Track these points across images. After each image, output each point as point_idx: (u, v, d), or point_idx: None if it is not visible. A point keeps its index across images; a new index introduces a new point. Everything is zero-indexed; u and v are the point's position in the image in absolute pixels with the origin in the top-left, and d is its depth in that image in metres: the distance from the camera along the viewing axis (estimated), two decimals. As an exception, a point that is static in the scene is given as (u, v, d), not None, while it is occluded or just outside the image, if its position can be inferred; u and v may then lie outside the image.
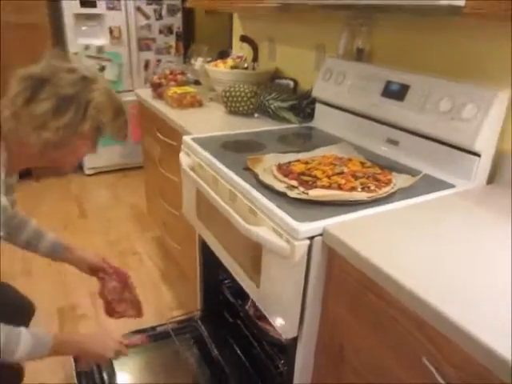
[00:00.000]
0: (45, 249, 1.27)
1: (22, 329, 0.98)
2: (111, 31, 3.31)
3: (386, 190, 1.06)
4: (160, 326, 1.75)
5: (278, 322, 1.05)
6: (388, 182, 1.10)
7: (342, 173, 1.14)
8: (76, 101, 0.92)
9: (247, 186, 1.11)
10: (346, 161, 1.23)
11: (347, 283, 0.92)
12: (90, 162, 3.66)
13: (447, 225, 0.96)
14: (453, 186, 1.16)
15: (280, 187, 1.07)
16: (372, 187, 1.06)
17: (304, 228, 0.91)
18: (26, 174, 3.54)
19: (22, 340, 0.95)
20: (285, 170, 1.16)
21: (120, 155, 3.70)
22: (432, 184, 1.16)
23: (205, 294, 1.77)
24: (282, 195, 1.05)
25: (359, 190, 1.05)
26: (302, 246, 0.92)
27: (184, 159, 1.44)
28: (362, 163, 1.22)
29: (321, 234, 0.93)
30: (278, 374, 1.38)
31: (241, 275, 1.22)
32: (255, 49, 2.28)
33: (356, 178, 1.11)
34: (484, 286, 0.73)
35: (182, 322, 1.75)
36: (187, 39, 3.71)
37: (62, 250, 1.30)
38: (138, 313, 1.40)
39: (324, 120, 1.69)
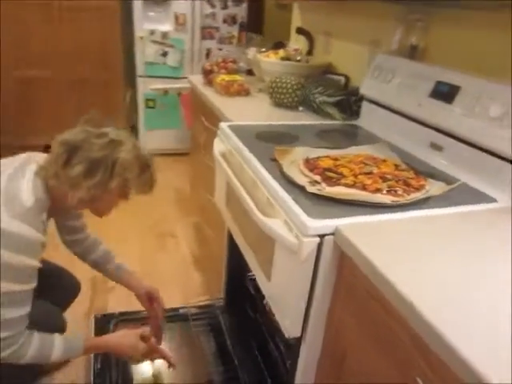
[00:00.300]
0: (110, 271, 1.44)
1: (56, 336, 1.12)
2: (176, 18, 3.38)
3: (414, 196, 0.99)
4: (182, 308, 1.76)
5: (283, 319, 1.01)
6: (419, 188, 1.02)
7: (370, 173, 1.07)
8: (104, 163, 1.03)
9: (268, 177, 1.08)
10: (379, 161, 1.16)
11: (355, 289, 0.86)
12: (145, 144, 3.76)
13: (476, 243, 0.86)
14: (494, 201, 1.05)
15: (301, 181, 1.03)
16: (399, 191, 0.99)
17: (314, 224, 0.87)
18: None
19: (55, 346, 1.10)
20: (311, 164, 1.12)
21: (173, 140, 3.78)
22: (470, 195, 1.07)
23: (228, 284, 1.76)
24: (302, 189, 1.00)
25: (384, 192, 0.98)
26: (310, 243, 0.88)
27: (217, 145, 1.44)
28: (397, 166, 1.15)
29: (333, 234, 0.88)
30: (286, 373, 1.34)
31: (256, 267, 1.19)
32: (311, 42, 2.23)
33: (384, 180, 1.04)
34: (498, 317, 0.65)
35: (203, 307, 1.76)
36: (251, 30, 3.70)
37: (125, 274, 1.44)
38: (159, 341, 1.43)
39: (369, 119, 1.61)
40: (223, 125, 1.49)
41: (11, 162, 1.11)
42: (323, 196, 0.97)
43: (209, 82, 2.11)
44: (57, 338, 1.12)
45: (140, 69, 3.49)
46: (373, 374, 0.81)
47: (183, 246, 2.50)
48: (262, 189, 1.09)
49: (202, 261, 2.35)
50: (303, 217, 0.89)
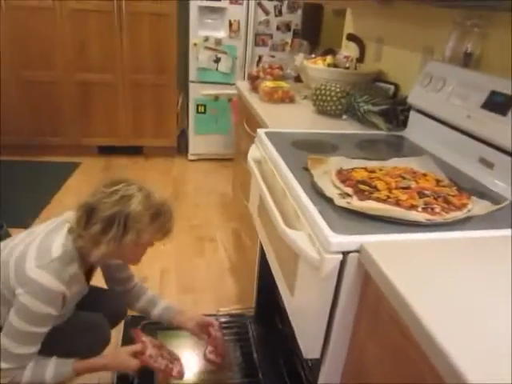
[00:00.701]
0: (156, 315, 1.48)
1: (49, 361, 1.18)
2: (230, 24, 3.41)
3: (453, 215, 0.90)
4: (212, 315, 1.73)
5: (302, 338, 0.95)
6: (460, 207, 0.93)
7: (407, 188, 0.99)
8: (117, 219, 1.09)
9: (297, 186, 1.03)
10: (419, 175, 1.07)
11: (379, 314, 0.79)
12: (195, 148, 3.83)
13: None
14: (548, 226, 0.93)
15: (331, 193, 0.97)
16: (437, 209, 0.91)
17: (337, 240, 0.81)
18: (136, 152, 3.84)
19: (47, 372, 1.16)
20: (344, 175, 1.05)
21: (222, 145, 3.80)
22: (522, 218, 0.95)
23: (259, 295, 1.72)
24: (330, 202, 0.94)
25: (419, 209, 0.90)
26: (332, 259, 0.81)
27: (252, 152, 1.40)
28: (438, 181, 1.05)
29: (358, 251, 0.81)
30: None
31: (281, 280, 1.14)
32: (362, 49, 2.15)
33: (422, 196, 0.95)
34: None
35: (233, 316, 1.72)
36: (306, 37, 3.65)
37: (174, 315, 1.48)
38: (223, 359, 1.45)
39: (416, 130, 1.51)
40: (260, 131, 1.45)
41: (54, 221, 1.22)
42: (352, 210, 0.90)
43: (254, 88, 2.09)
44: (50, 363, 1.18)
45: (192, 74, 3.55)
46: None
47: (221, 252, 2.48)
48: (290, 199, 1.04)
49: (238, 268, 2.32)
50: (326, 231, 0.83)
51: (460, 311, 0.64)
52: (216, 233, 2.68)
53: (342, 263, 0.82)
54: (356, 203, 0.90)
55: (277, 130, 1.47)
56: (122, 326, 1.73)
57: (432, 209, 0.91)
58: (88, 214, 1.11)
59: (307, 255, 0.86)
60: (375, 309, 0.80)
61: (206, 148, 3.83)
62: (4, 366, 1.11)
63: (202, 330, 1.47)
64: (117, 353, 1.27)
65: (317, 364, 0.98)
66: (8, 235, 2.24)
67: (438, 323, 0.60)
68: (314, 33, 3.84)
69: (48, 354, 1.18)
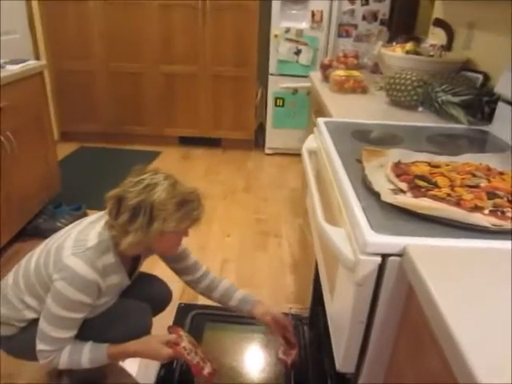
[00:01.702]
0: (233, 306, 1.45)
1: (85, 347, 1.19)
2: (313, 15, 3.29)
3: (530, 222, 0.73)
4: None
5: (336, 348, 0.85)
6: (541, 213, 0.76)
7: (475, 186, 0.84)
8: (143, 207, 1.09)
9: (344, 179, 0.92)
10: (494, 174, 0.91)
11: (421, 336, 0.66)
12: (271, 142, 3.78)
13: None
14: None
15: (380, 187, 0.85)
16: (509, 213, 0.75)
17: (376, 240, 0.69)
18: (215, 144, 3.89)
19: (83, 355, 1.18)
20: (401, 168, 0.92)
21: (298, 140, 3.70)
22: None
23: (315, 296, 1.62)
24: (378, 197, 0.82)
25: (486, 212, 0.75)
26: (368, 262, 0.70)
27: (309, 142, 1.31)
28: (518, 181, 0.88)
29: (400, 255, 0.69)
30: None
31: (324, 280, 1.04)
32: (450, 35, 1.94)
33: (492, 196, 0.80)
34: None
35: (287, 315, 1.63)
36: (396, 27, 3.42)
37: (251, 306, 1.43)
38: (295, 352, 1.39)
39: (503, 124, 1.30)
40: (320, 120, 1.35)
41: (97, 214, 1.24)
42: (401, 208, 0.78)
43: (326, 78, 1.98)
44: (85, 348, 1.19)
45: (272, 67, 3.49)
46: None
47: (285, 248, 2.41)
48: (336, 192, 0.94)
49: (300, 266, 2.23)
50: (365, 229, 0.72)
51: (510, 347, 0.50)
52: (282, 228, 2.61)
53: (381, 267, 0.71)
54: (404, 199, 0.78)
55: (338, 120, 1.36)
56: (174, 312, 1.74)
57: (503, 212, 0.75)
58: (117, 203, 1.12)
59: (342, 255, 0.75)
60: (417, 328, 0.68)
61: (282, 142, 3.76)
62: (42, 347, 1.15)
63: (276, 327, 1.41)
64: (150, 339, 1.26)
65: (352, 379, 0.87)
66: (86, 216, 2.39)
67: (483, 361, 0.47)
68: (404, 22, 3.58)
69: (87, 340, 1.20)
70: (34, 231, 2.31)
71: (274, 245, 2.43)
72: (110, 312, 1.25)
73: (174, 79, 3.64)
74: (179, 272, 1.45)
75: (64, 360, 1.17)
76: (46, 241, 1.27)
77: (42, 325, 1.15)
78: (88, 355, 1.18)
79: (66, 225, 1.33)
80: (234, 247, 2.37)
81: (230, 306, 1.46)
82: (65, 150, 3.55)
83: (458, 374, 0.50)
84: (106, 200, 1.14)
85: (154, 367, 1.51)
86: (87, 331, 1.20)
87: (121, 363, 1.55)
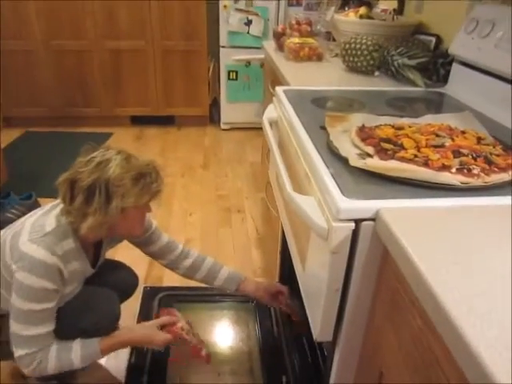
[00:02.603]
0: (218, 285, 1.40)
1: (73, 343, 1.13)
2: (262, -17, 3.21)
3: (496, 178, 0.74)
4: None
5: (313, 318, 0.84)
6: (505, 169, 0.77)
7: (440, 146, 0.84)
8: (97, 186, 1.02)
9: (310, 146, 0.89)
10: (456, 133, 0.91)
11: (398, 295, 0.65)
12: (227, 117, 3.71)
13: None
14: None
15: (347, 152, 0.83)
16: (475, 170, 0.75)
17: (348, 205, 0.67)
18: (169, 122, 3.77)
19: (73, 354, 1.11)
20: (365, 133, 0.91)
21: (255, 113, 3.66)
22: None
23: (282, 270, 1.61)
24: (347, 163, 0.80)
25: (453, 170, 0.75)
26: (341, 228, 0.68)
27: (268, 112, 1.27)
28: (480, 139, 0.89)
29: (373, 219, 0.68)
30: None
31: (294, 253, 1.02)
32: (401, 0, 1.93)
33: (458, 155, 0.80)
34: None
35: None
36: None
37: (237, 284, 1.39)
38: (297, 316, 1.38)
39: (458, 85, 1.32)
40: (278, 89, 1.31)
41: (53, 203, 1.16)
42: (370, 172, 0.76)
43: (280, 47, 1.93)
44: (74, 346, 1.13)
45: (223, 39, 3.40)
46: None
47: (249, 223, 2.39)
48: (302, 161, 0.91)
49: (264, 240, 2.22)
50: (336, 195, 0.69)
51: (497, 300, 0.49)
52: (244, 203, 2.58)
53: (355, 233, 0.69)
54: (373, 163, 0.76)
55: (297, 88, 1.33)
56: (140, 295, 1.69)
57: (469, 170, 0.75)
58: (70, 187, 1.05)
59: (314, 223, 0.73)
60: (394, 289, 0.67)
61: (238, 116, 3.70)
62: (20, 352, 1.07)
63: (272, 298, 1.39)
64: (144, 326, 1.21)
65: (329, 350, 0.87)
66: (37, 205, 2.25)
67: (465, 314, 0.47)
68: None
69: (57, 333, 1.13)
70: (-19, 224, 2.17)
71: (238, 220, 2.40)
72: (78, 301, 1.19)
73: (120, 56, 3.46)
74: (155, 256, 1.39)
75: (52, 363, 1.09)
76: (1, 232, 1.18)
77: (13, 327, 1.06)
78: (79, 352, 1.11)
79: (17, 215, 1.25)
80: (197, 225, 2.33)
81: (215, 286, 1.41)
82: (9, 136, 3.34)
83: (442, 330, 0.49)
84: (58, 186, 1.07)
85: (124, 354, 1.47)
86: (56, 324, 1.12)
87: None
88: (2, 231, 1.19)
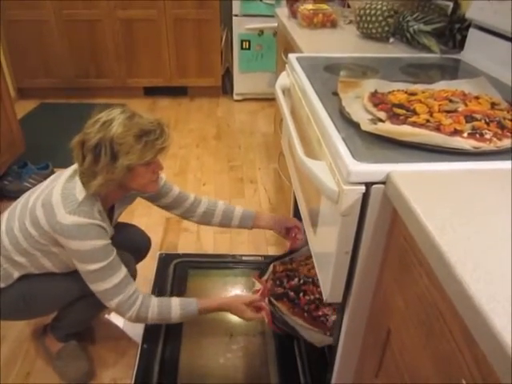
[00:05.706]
0: (235, 226, 1.49)
1: (172, 299, 1.23)
2: None
3: (507, 142, 0.74)
4: (245, 255, 1.70)
5: (323, 281, 0.86)
6: (518, 133, 0.76)
7: (453, 111, 0.83)
8: (103, 145, 1.06)
9: (322, 111, 0.90)
10: (470, 98, 0.90)
11: (406, 256, 0.67)
12: (240, 87, 3.69)
13: None
14: None
15: (359, 117, 0.83)
16: (487, 135, 0.75)
17: (359, 169, 0.68)
18: (181, 93, 3.76)
19: (172, 310, 1.22)
20: (378, 98, 0.91)
21: (268, 83, 3.62)
22: None
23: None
24: (358, 128, 0.81)
25: (465, 135, 0.75)
26: (352, 191, 0.70)
27: (281, 79, 1.27)
28: (494, 104, 0.88)
29: (383, 183, 0.69)
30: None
31: (306, 218, 1.04)
32: (418, -38, 1.86)
33: (470, 120, 0.79)
34: None
35: (268, 258, 1.66)
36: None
37: (252, 221, 1.46)
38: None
39: (475, 51, 1.29)
40: (291, 56, 1.30)
41: (72, 167, 1.19)
42: (382, 136, 0.77)
43: (293, 14, 1.90)
44: (173, 302, 1.23)
45: (236, 7, 3.34)
46: (414, 361, 0.64)
47: (261, 193, 2.41)
48: (314, 126, 0.92)
49: (277, 210, 2.24)
50: (347, 159, 0.70)
51: (502, 258, 0.51)
52: (257, 174, 2.60)
53: (365, 196, 0.71)
54: (385, 127, 0.76)
55: (310, 55, 1.32)
56: (155, 262, 1.74)
57: (481, 135, 0.75)
58: (81, 148, 1.09)
59: (324, 186, 0.74)
60: (403, 250, 0.69)
61: (251, 87, 3.67)
62: (115, 301, 1.16)
63: (287, 232, 1.45)
64: (240, 298, 1.31)
65: (339, 313, 0.90)
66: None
67: (469, 270, 0.48)
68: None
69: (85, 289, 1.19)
70: (0, 193, 2.22)
71: (251, 191, 2.42)
72: None
73: (132, 25, 3.43)
74: (169, 207, 1.44)
75: (154, 314, 1.19)
76: (22, 200, 1.22)
77: (95, 287, 1.15)
78: (179, 311, 1.21)
79: (34, 185, 1.27)
80: (211, 195, 2.36)
81: (232, 227, 1.49)
82: (25, 107, 3.37)
83: (447, 286, 0.51)
84: (72, 149, 1.11)
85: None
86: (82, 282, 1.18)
87: (106, 316, 1.55)
88: (23, 199, 1.22)
